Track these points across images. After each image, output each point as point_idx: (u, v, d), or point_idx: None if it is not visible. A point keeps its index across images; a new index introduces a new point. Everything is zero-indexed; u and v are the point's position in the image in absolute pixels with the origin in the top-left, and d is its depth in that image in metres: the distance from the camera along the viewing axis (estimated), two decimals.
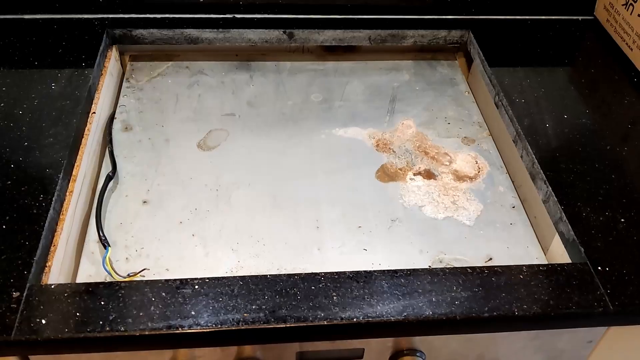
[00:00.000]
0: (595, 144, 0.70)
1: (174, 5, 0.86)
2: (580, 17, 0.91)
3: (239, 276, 0.54)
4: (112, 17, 0.84)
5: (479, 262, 0.64)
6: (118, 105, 0.80)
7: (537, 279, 0.56)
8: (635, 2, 0.80)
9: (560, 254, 0.63)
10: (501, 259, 0.65)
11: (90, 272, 0.61)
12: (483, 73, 0.83)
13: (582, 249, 0.59)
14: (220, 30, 0.84)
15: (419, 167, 0.75)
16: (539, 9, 0.91)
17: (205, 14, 0.86)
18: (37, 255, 0.55)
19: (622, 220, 0.61)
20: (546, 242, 0.67)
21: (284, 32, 0.85)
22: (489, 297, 0.54)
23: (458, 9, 0.89)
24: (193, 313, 0.51)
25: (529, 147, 0.69)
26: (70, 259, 0.62)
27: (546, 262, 0.65)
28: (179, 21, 0.85)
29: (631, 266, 0.57)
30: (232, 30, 0.85)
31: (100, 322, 0.50)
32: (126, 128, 0.77)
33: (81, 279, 0.60)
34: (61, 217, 0.61)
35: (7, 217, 0.57)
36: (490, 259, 0.65)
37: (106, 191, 0.68)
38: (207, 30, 0.84)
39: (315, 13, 0.87)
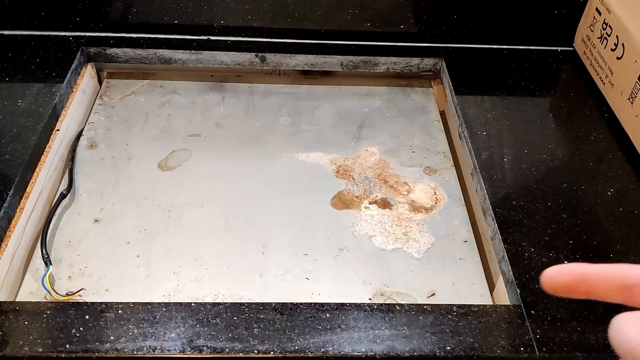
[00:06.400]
0: (552, 182, 0.69)
1: (150, 25, 0.87)
2: (559, 48, 0.90)
3: (163, 302, 0.55)
4: (88, 36, 0.86)
5: (422, 297, 0.64)
6: (87, 122, 0.82)
7: (465, 319, 0.55)
8: (609, 35, 0.78)
9: (503, 294, 0.62)
10: (445, 295, 0.64)
11: (32, 289, 0.62)
12: (451, 103, 0.82)
13: (519, 291, 0.57)
14: (193, 51, 0.86)
15: (376, 196, 0.74)
16: (517, 38, 0.89)
17: (180, 34, 0.87)
18: None
19: (566, 262, 0.60)
20: (494, 279, 0.66)
21: (256, 56, 0.86)
22: (412, 337, 0.53)
23: (432, 37, 0.89)
24: (112, 338, 0.52)
25: (482, 181, 0.68)
26: (16, 275, 0.64)
27: (490, 301, 0.63)
28: (153, 41, 0.86)
29: (566, 312, 0.56)
30: (204, 52, 0.86)
31: (20, 342, 0.51)
32: (91, 145, 0.78)
33: (23, 295, 0.62)
34: (8, 233, 0.63)
35: None
36: (433, 294, 0.64)
37: (60, 208, 0.69)
38: (180, 51, 0.86)
39: (289, 37, 0.88)
